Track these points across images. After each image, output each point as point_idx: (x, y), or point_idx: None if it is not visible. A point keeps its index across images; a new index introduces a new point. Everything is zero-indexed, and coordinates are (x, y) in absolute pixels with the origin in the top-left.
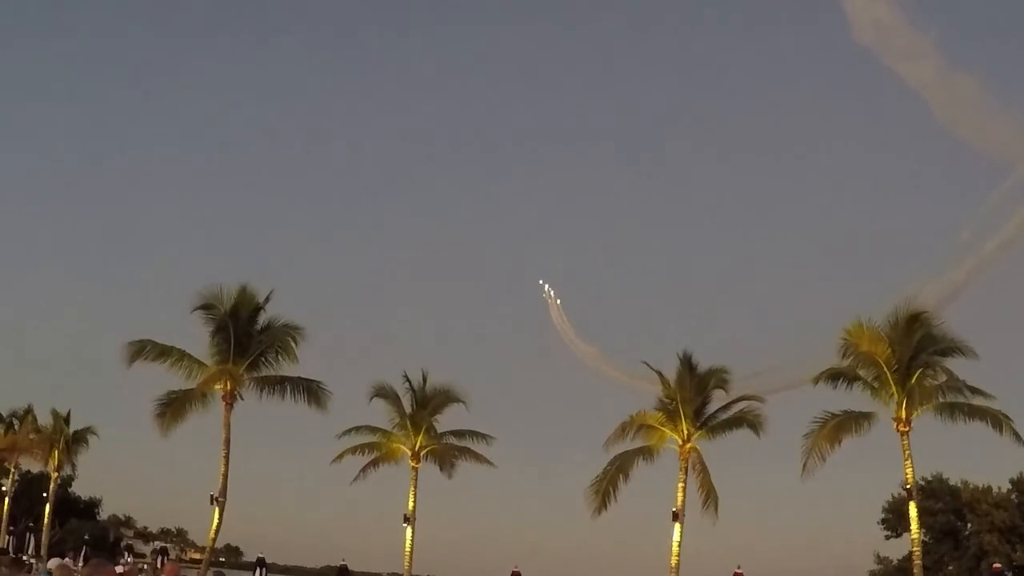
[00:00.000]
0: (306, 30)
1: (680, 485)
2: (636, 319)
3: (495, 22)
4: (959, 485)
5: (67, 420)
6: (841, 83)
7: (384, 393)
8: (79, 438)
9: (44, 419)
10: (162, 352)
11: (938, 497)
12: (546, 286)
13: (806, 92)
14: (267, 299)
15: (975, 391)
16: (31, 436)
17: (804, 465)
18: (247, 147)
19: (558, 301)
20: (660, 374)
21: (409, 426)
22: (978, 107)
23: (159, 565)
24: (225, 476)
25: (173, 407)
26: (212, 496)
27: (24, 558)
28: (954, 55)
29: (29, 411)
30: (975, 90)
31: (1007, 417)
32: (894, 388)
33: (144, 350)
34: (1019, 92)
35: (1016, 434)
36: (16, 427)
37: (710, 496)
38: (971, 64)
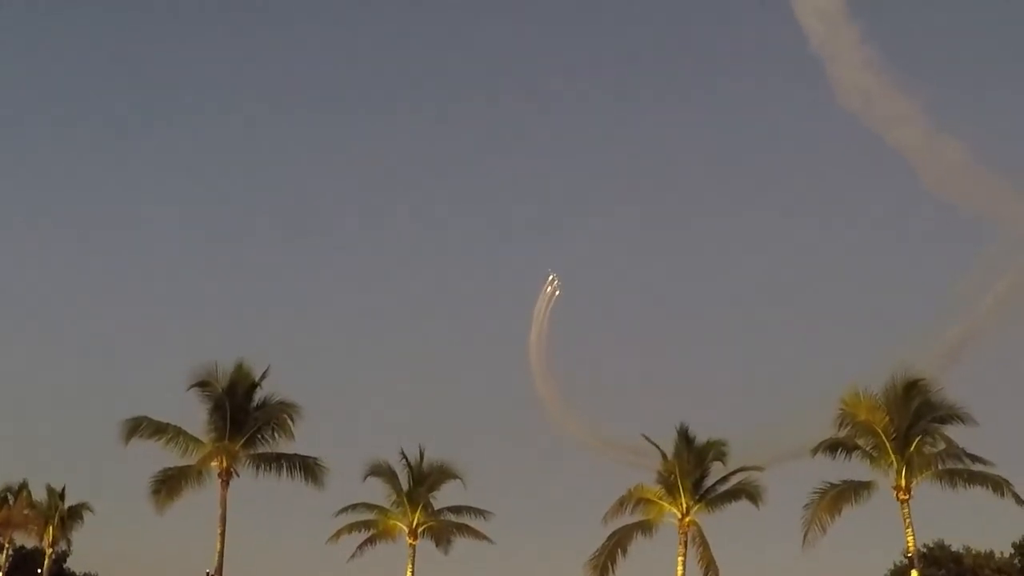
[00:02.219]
0: (287, 118)
1: (680, 559)
2: (632, 390)
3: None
4: (961, 551)
5: (62, 495)
6: (827, 148)
7: (380, 471)
8: (74, 513)
9: (39, 494)
10: (158, 429)
11: (940, 564)
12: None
13: (793, 158)
14: (263, 376)
15: (975, 458)
16: (26, 511)
17: (805, 536)
18: (244, 224)
19: (556, 293)
20: (659, 447)
21: (406, 503)
22: (964, 170)
23: None
24: (221, 553)
25: (169, 484)
26: (208, 573)
27: None
28: (941, 119)
29: (24, 486)
30: (961, 153)
31: (1007, 481)
32: (893, 457)
33: (140, 427)
34: (1005, 154)
35: (1017, 497)
36: (11, 502)
37: (710, 569)
38: (957, 127)
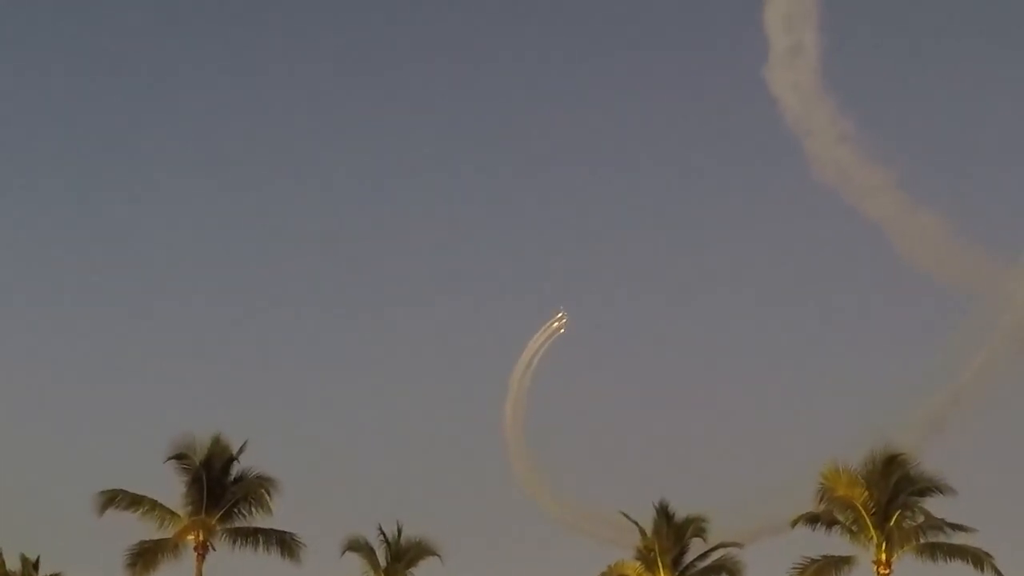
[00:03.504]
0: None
1: None
2: (610, 467)
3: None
4: None
5: (36, 566)
6: (800, 222)
7: (358, 546)
8: None
9: (12, 564)
10: (134, 501)
11: None
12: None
13: (765, 232)
14: (241, 450)
15: (956, 527)
16: None
17: None
18: (221, 295)
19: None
20: (637, 524)
21: None
22: (941, 241)
23: None
24: None
25: (145, 557)
26: None
27: None
28: (917, 191)
29: None
30: (938, 225)
31: (988, 555)
32: (873, 531)
33: (116, 499)
34: (981, 225)
35: (997, 571)
36: None
37: None
38: (934, 199)
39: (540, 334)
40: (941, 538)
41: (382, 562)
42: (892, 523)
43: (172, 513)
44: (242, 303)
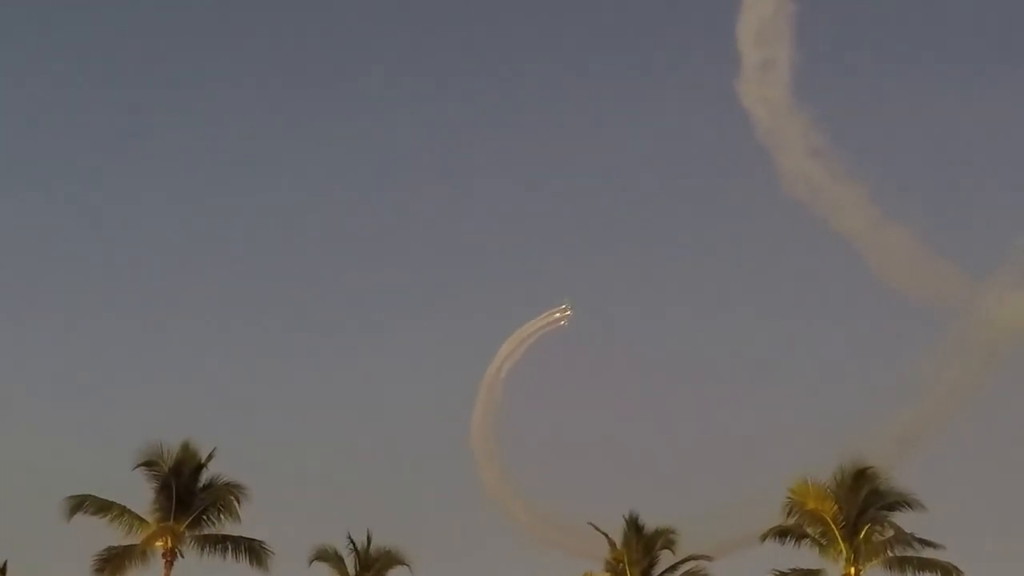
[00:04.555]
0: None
1: None
2: (580, 477)
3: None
4: None
5: (3, 570)
6: (771, 236)
7: (326, 556)
8: None
9: None
10: (102, 507)
11: None
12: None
13: (734, 246)
14: (210, 456)
15: (925, 543)
16: None
17: None
18: (192, 303)
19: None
20: (607, 535)
21: None
22: (912, 257)
23: None
24: None
25: (113, 563)
26: None
27: None
28: (887, 206)
29: None
30: (908, 240)
31: (956, 568)
32: (842, 545)
33: (84, 504)
34: (952, 241)
35: None
36: None
37: None
38: (905, 215)
39: (539, 320)
40: (910, 552)
41: (351, 571)
42: (861, 537)
43: (140, 519)
44: (214, 310)
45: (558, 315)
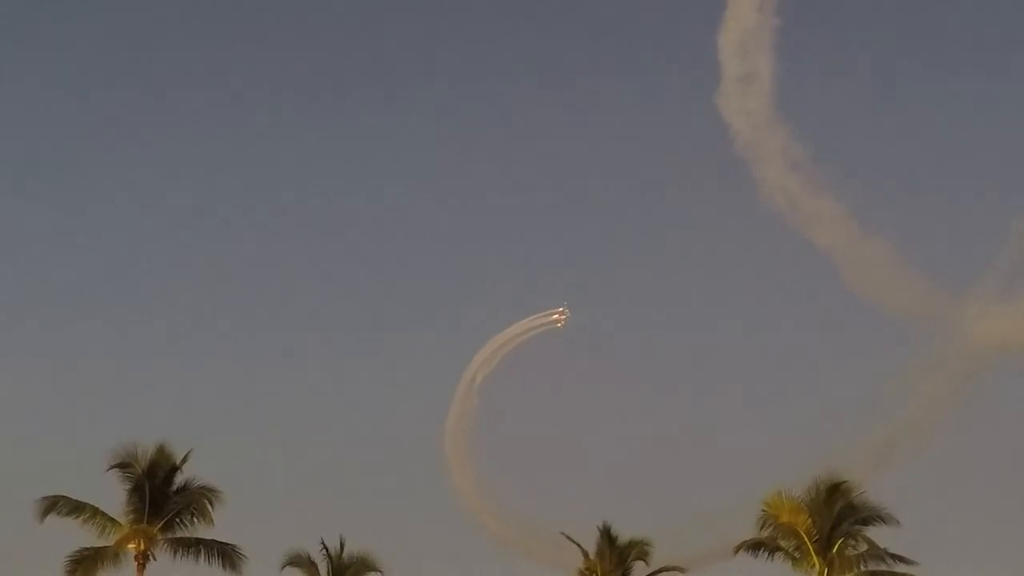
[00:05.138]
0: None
1: None
2: (553, 486)
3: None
4: None
5: None
6: (748, 248)
7: (299, 561)
8: None
9: None
10: (75, 508)
11: None
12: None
13: (711, 257)
14: (184, 459)
15: (898, 558)
16: None
17: None
18: (169, 303)
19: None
20: (580, 546)
21: None
22: (889, 271)
23: None
24: None
25: (84, 565)
26: None
27: None
28: (867, 220)
29: None
30: (887, 254)
31: None
32: (815, 558)
33: (56, 505)
34: (930, 256)
35: None
36: None
37: None
38: (883, 229)
39: (534, 319)
40: (883, 567)
41: None
42: (834, 551)
43: (113, 521)
44: (189, 313)
45: (556, 316)
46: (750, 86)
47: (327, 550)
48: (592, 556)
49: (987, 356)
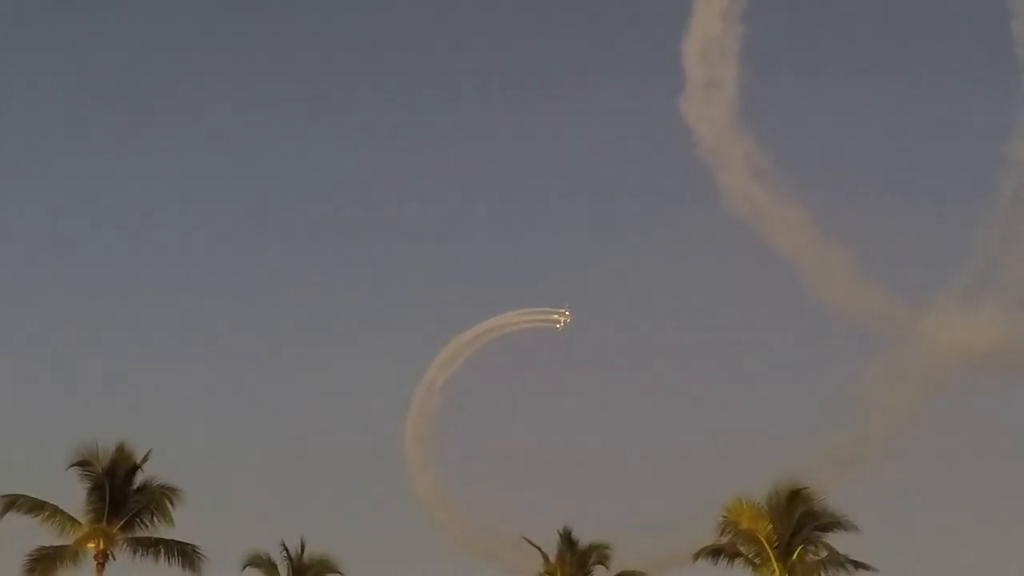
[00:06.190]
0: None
1: None
2: (515, 490)
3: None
4: None
5: None
6: (710, 254)
7: (259, 562)
8: None
9: None
10: (35, 507)
11: None
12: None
13: (673, 262)
14: (145, 458)
15: (858, 564)
16: None
17: None
18: (130, 302)
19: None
20: (540, 549)
21: None
22: (851, 279)
23: None
24: None
25: (43, 564)
26: None
27: None
28: (828, 227)
29: None
30: (848, 262)
31: None
32: (775, 564)
33: (16, 503)
34: (892, 264)
35: None
36: None
37: None
38: (845, 236)
39: (533, 314)
40: (843, 574)
41: None
42: (795, 557)
43: (73, 520)
44: (151, 312)
45: (556, 316)
46: (714, 93)
47: (288, 551)
48: (552, 560)
49: (948, 364)
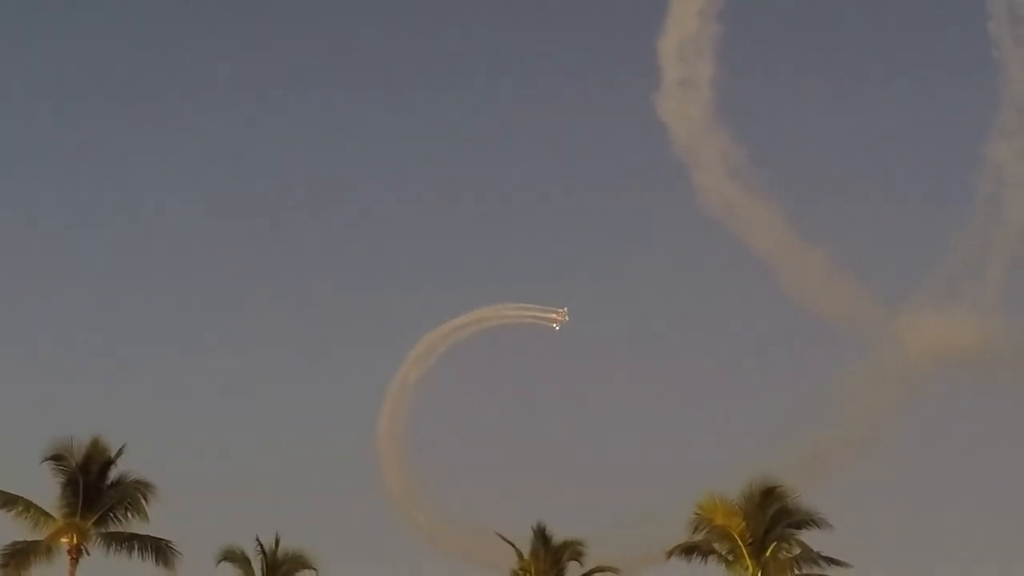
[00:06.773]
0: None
1: None
2: (489, 486)
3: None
4: None
5: None
6: (685, 252)
7: (234, 557)
8: None
9: None
10: (8, 501)
11: None
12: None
13: (647, 260)
14: (119, 453)
15: (831, 561)
16: None
17: None
18: (107, 296)
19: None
20: (514, 546)
21: None
22: (826, 278)
23: None
24: None
25: (17, 559)
26: None
27: None
28: (804, 227)
29: None
30: (823, 262)
31: None
32: (749, 561)
33: None
34: (867, 263)
35: None
36: None
37: None
38: (820, 236)
39: (532, 310)
40: (816, 571)
41: (257, 573)
42: (768, 554)
43: (47, 515)
44: (127, 307)
45: (554, 316)
46: (689, 91)
47: (262, 547)
48: (526, 556)
49: (923, 363)
